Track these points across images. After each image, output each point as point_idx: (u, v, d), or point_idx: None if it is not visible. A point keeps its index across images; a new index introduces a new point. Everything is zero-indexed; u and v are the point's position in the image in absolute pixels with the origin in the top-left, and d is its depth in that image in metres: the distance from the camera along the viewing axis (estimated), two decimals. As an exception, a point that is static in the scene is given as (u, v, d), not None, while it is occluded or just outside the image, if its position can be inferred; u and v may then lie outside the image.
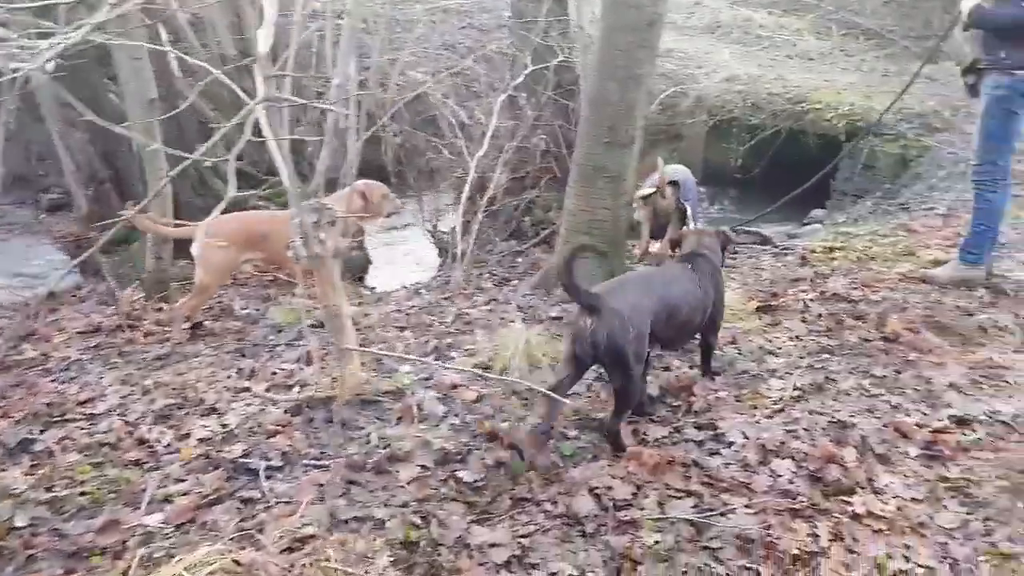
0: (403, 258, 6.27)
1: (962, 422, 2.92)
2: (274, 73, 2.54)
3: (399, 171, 7.27)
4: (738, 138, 9.18)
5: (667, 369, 3.35)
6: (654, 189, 5.12)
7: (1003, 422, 2.92)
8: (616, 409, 2.70)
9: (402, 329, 3.87)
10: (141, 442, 2.78)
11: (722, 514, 2.42)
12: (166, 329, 4.09)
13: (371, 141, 7.79)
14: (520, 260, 5.47)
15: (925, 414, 3.01)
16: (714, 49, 11.69)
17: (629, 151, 4.20)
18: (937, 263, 4.83)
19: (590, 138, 4.19)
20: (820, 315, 3.99)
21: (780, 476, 2.61)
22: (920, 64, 5.29)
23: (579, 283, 2.62)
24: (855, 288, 4.39)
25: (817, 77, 10.06)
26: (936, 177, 7.21)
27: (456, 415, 2.87)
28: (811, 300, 4.20)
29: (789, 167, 8.78)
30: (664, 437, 2.83)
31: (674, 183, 5.21)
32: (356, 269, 5.85)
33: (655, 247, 5.33)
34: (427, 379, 3.14)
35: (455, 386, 3.05)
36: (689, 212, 5.45)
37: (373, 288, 5.48)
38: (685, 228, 4.06)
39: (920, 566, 2.21)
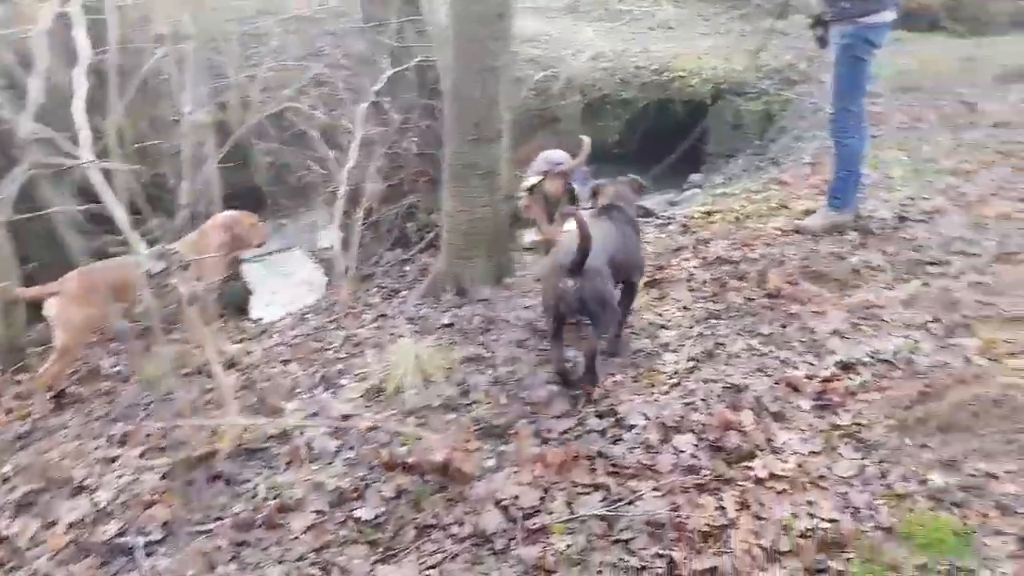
0: (289, 281, 6.01)
1: (847, 367, 3.00)
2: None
3: (273, 191, 7.00)
4: (612, 114, 9.29)
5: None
6: (540, 176, 5.02)
7: (885, 360, 3.02)
8: (600, 328, 2.99)
9: (287, 362, 3.69)
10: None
11: (631, 502, 2.38)
12: (27, 403, 3.76)
13: (242, 164, 7.48)
14: (408, 268, 5.33)
15: (812, 364, 3.08)
16: (577, 29, 11.80)
17: (498, 145, 4.13)
18: (808, 212, 4.98)
19: (457, 136, 4.10)
20: (705, 281, 4.03)
21: (683, 452, 2.60)
22: (770, 22, 5.47)
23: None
24: (735, 249, 4.47)
25: (679, 45, 10.28)
26: (800, 128, 7.48)
27: (350, 448, 2.73)
28: (695, 267, 4.25)
29: (663, 136, 8.98)
30: (567, 431, 2.78)
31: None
32: (237, 302, 5.57)
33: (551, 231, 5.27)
34: (315, 414, 2.98)
35: (347, 417, 2.91)
36: (578, 192, 5.43)
37: (259, 319, 5.22)
38: (602, 183, 3.95)
39: (824, 520, 2.24)
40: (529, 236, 6.13)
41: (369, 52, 6.22)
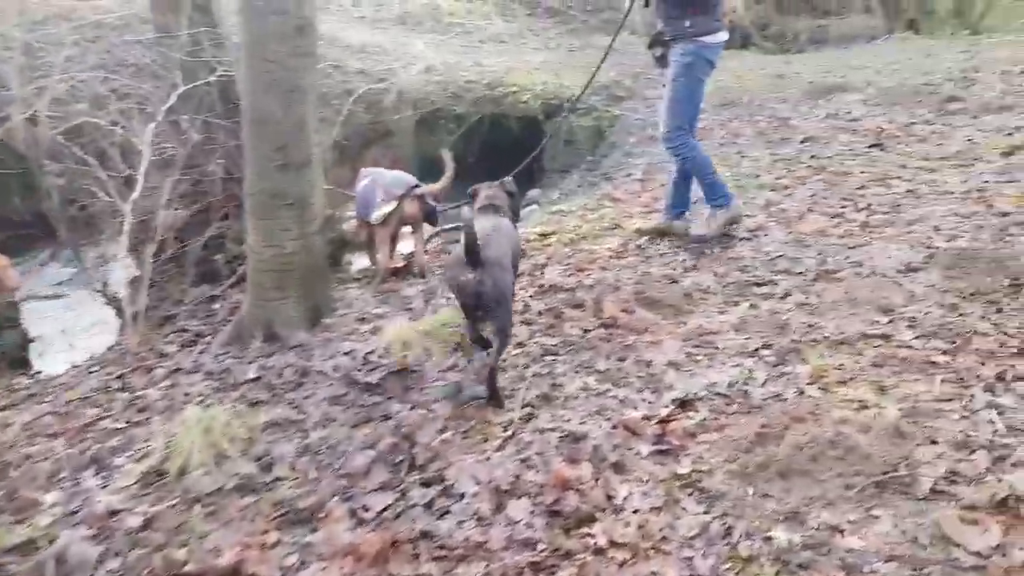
0: (77, 326, 5.24)
1: (685, 404, 2.85)
2: None
3: (64, 219, 6.13)
4: (445, 129, 9.03)
5: (387, 418, 2.94)
6: (394, 204, 4.62)
7: (721, 394, 2.89)
8: (499, 346, 2.97)
9: (54, 436, 3.07)
10: None
11: (458, 593, 2.07)
12: None
13: (29, 188, 6.52)
14: (217, 306, 4.76)
15: (651, 403, 2.91)
16: (408, 40, 11.47)
17: (309, 171, 3.71)
18: (641, 231, 4.92)
19: (259, 163, 3.64)
20: (540, 312, 3.81)
21: (518, 522, 2.32)
22: (609, 43, 5.44)
23: (474, 237, 2.84)
24: (571, 274, 4.31)
25: (511, 59, 10.22)
26: (629, 143, 7.57)
27: (117, 554, 2.22)
28: (531, 297, 4.03)
29: (498, 152, 8.85)
30: (387, 508, 2.42)
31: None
32: (13, 353, 4.76)
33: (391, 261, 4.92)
34: (76, 511, 2.44)
35: (115, 512, 2.39)
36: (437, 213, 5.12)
37: (37, 373, 4.46)
38: (479, 186, 3.79)
39: (670, 593, 2.03)
40: (360, 262, 5.73)
41: (160, 65, 5.57)
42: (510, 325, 3.11)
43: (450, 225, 6.45)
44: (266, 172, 3.63)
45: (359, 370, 3.25)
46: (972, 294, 3.37)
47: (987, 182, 4.61)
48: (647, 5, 4.30)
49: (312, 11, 3.57)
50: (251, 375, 3.45)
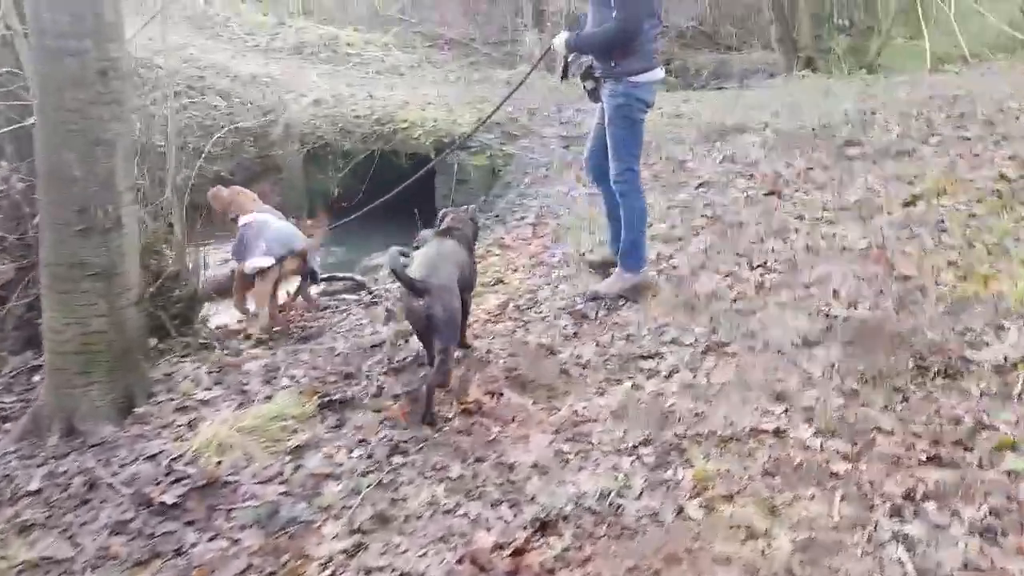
0: None
1: (546, 525, 2.40)
2: None
3: None
4: (334, 165, 8.49)
5: (179, 552, 2.37)
6: (272, 262, 4.20)
7: (590, 509, 2.46)
8: (439, 364, 3.09)
9: None
10: None
11: None
12: None
13: None
14: (38, 377, 4.07)
15: (507, 522, 2.45)
16: (302, 71, 10.90)
17: (119, 235, 3.12)
18: (523, 290, 4.52)
19: (56, 228, 3.04)
20: (397, 396, 3.32)
21: None
22: (511, 90, 5.12)
23: (403, 271, 3.14)
24: (439, 344, 3.83)
25: (407, 92, 9.77)
26: (523, 184, 7.20)
27: None
28: (385, 374, 3.53)
29: (389, 190, 8.35)
30: None
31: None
32: None
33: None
34: None
35: None
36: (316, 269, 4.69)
37: None
38: (445, 211, 4.02)
39: None
40: (220, 318, 5.11)
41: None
42: (455, 345, 3.29)
43: (340, 275, 5.95)
44: (64, 238, 3.03)
45: (158, 483, 2.67)
46: (874, 377, 3.06)
47: (887, 237, 4.39)
48: (568, 58, 4.14)
49: (121, 51, 3.01)
50: (34, 485, 2.82)
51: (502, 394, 3.27)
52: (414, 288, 3.11)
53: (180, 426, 3.15)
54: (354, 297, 5.25)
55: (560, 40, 4.04)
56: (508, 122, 7.95)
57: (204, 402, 3.35)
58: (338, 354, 3.85)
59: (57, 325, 3.12)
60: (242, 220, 4.57)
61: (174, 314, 4.68)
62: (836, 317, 3.61)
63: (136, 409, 3.26)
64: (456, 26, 13.52)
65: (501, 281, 4.80)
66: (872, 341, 3.34)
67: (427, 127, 7.82)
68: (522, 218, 6.57)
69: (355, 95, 9.32)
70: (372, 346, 3.92)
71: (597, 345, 3.70)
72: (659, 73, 4.03)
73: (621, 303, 4.17)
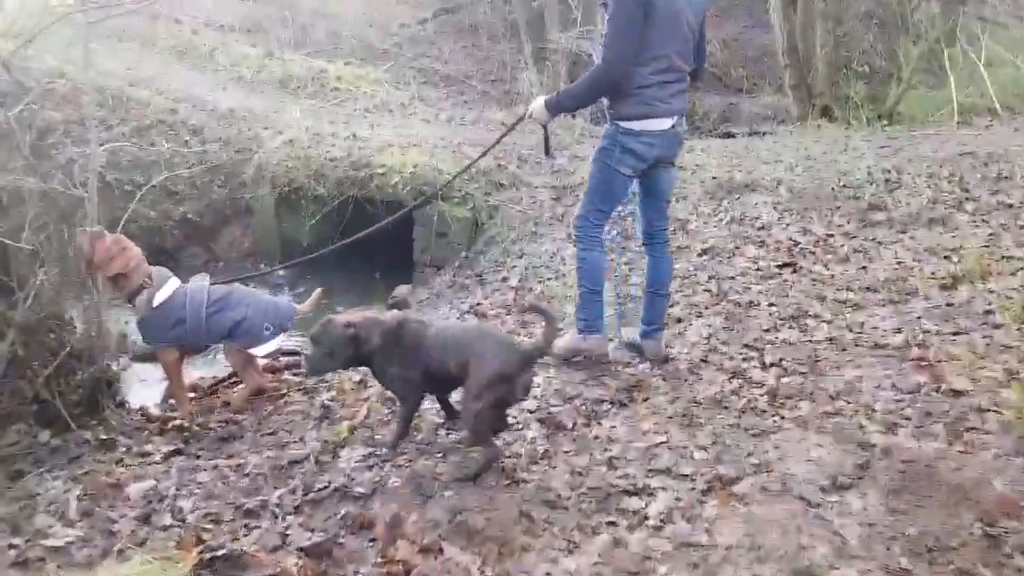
0: None
1: None
2: None
3: None
4: (306, 210, 7.80)
5: None
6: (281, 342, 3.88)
7: None
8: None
9: None
10: None
11: None
12: None
13: None
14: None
15: None
16: (284, 106, 10.28)
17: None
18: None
19: None
20: (302, 548, 2.54)
21: None
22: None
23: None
24: (372, 464, 3.06)
25: (393, 132, 9.11)
26: (508, 239, 6.48)
27: None
28: (296, 508, 2.75)
29: (362, 241, 7.63)
30: None
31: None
32: None
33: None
34: None
35: None
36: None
37: None
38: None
39: None
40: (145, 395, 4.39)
41: None
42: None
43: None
44: None
45: None
46: (930, 548, 2.28)
47: (928, 331, 3.63)
48: (548, 153, 4.08)
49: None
50: None
51: (441, 550, 2.49)
52: (539, 355, 2.91)
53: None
54: (296, 377, 4.50)
55: (538, 105, 3.53)
56: (495, 170, 7.25)
57: (54, 551, 2.58)
58: (247, 473, 3.08)
59: None
60: (160, 293, 3.84)
61: (76, 401, 3.96)
62: (873, 447, 2.84)
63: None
64: (453, 62, 12.95)
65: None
66: (923, 488, 2.57)
67: (405, 173, 7.12)
68: (504, 279, 5.86)
69: (336, 134, 8.67)
70: (291, 462, 3.14)
71: (571, 472, 2.92)
72: (660, 123, 3.42)
73: (606, 407, 3.41)
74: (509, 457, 3.03)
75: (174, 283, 3.89)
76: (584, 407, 3.41)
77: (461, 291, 6.13)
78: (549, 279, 5.58)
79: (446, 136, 8.87)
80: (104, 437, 3.73)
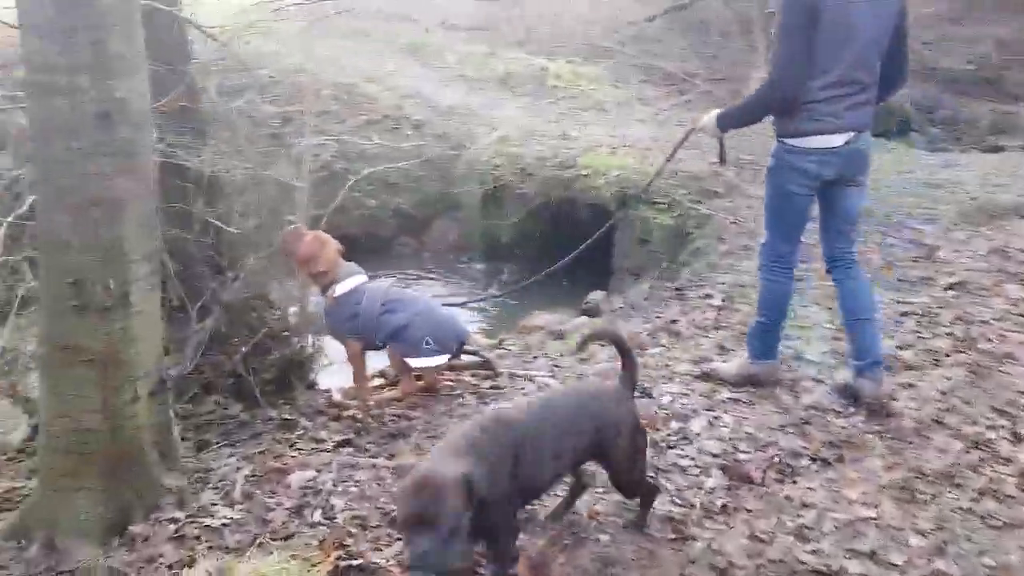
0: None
1: None
2: None
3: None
4: (510, 207, 7.76)
5: None
6: (445, 359, 3.81)
7: None
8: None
9: None
10: None
11: None
12: None
13: None
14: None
15: None
16: (501, 104, 10.41)
17: (124, 314, 2.49)
18: (679, 415, 3.38)
19: (50, 301, 2.47)
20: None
21: None
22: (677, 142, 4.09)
23: None
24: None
25: (606, 131, 8.87)
26: (717, 253, 5.96)
27: None
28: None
29: (565, 241, 7.46)
30: None
31: None
32: None
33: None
34: None
35: None
36: None
37: None
38: None
39: None
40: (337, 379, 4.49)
41: None
42: None
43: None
44: (59, 315, 2.45)
45: None
46: None
47: None
48: (723, 162, 3.87)
49: (132, 91, 2.36)
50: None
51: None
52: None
53: (161, 566, 2.44)
54: (472, 379, 4.39)
55: (709, 120, 3.40)
56: (709, 176, 6.73)
57: (210, 530, 2.62)
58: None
59: (51, 416, 2.55)
60: (342, 285, 3.91)
61: (268, 379, 4.14)
62: None
63: (131, 527, 2.59)
64: (678, 60, 12.40)
65: (647, 394, 3.68)
66: None
67: (611, 176, 6.82)
68: (706, 296, 5.36)
69: (547, 132, 8.59)
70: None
71: (751, 536, 2.50)
72: (831, 140, 3.14)
73: (805, 463, 2.91)
74: (680, 506, 2.67)
75: (357, 279, 3.93)
76: (778, 459, 2.94)
77: (658, 304, 5.72)
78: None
79: (660, 137, 8.45)
80: (287, 417, 3.85)
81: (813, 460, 2.94)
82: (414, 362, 3.67)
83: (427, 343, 3.60)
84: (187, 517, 2.66)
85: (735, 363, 3.67)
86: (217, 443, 3.61)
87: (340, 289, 3.87)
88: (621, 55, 12.61)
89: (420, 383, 3.89)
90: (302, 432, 3.61)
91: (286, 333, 4.25)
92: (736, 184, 6.67)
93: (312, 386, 4.42)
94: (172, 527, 2.60)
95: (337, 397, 4.12)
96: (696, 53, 12.79)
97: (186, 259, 4.10)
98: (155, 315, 2.62)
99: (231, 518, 2.68)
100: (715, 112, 3.39)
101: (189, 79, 4.09)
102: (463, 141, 8.87)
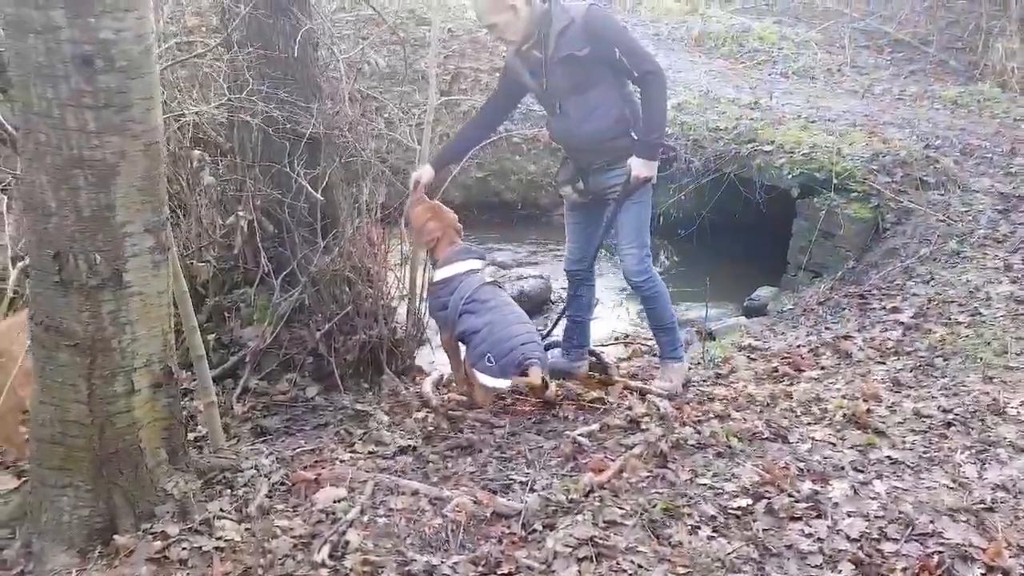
0: None
1: None
2: None
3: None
4: (678, 182, 6.91)
5: None
6: (505, 385, 3.30)
7: None
8: None
9: None
10: None
11: None
12: None
13: None
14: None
15: None
16: (692, 66, 9.42)
17: (115, 295, 2.15)
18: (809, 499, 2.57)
19: (35, 273, 2.18)
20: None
21: None
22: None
23: None
24: None
25: (807, 102, 7.69)
26: (916, 257, 4.84)
27: None
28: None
29: (736, 224, 6.52)
30: None
31: None
32: None
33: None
34: None
35: None
36: None
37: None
38: None
39: None
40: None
41: None
42: None
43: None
44: (40, 290, 2.16)
45: None
46: None
47: None
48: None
49: (120, 31, 1.96)
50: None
51: None
52: None
53: (129, 593, 2.11)
54: (580, 388, 3.77)
55: (636, 166, 3.25)
56: (921, 161, 5.48)
57: (199, 553, 2.26)
58: (443, 514, 2.46)
59: (34, 398, 2.29)
60: (442, 270, 3.50)
61: (351, 360, 3.79)
62: None
63: (117, 536, 2.29)
64: (909, 24, 10.59)
65: (781, 437, 2.86)
66: None
67: (797, 155, 5.78)
68: (893, 310, 4.34)
69: (736, 100, 7.58)
70: (495, 516, 2.44)
71: None
72: None
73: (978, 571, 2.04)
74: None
75: (461, 266, 3.50)
76: (937, 560, 2.07)
77: (833, 312, 4.75)
78: (960, 322, 3.95)
79: (871, 113, 7.15)
80: (361, 408, 3.48)
81: (989, 570, 2.06)
82: (482, 380, 3.15)
83: (489, 360, 3.06)
84: (180, 532, 2.31)
85: (666, 375, 3.61)
86: (277, 430, 3.32)
87: (440, 274, 3.53)
88: (841, 16, 11.01)
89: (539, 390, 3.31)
90: (367, 430, 3.22)
91: (376, 311, 3.87)
92: (955, 174, 5.37)
93: (405, 373, 4.04)
94: (159, 544, 2.26)
95: (427, 388, 3.69)
96: (931, 17, 10.86)
97: (280, 224, 3.84)
98: (160, 298, 2.26)
99: (230, 540, 2.31)
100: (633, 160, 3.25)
101: (306, 30, 3.76)
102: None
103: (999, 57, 8.25)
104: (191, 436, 2.92)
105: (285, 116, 3.57)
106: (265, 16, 3.62)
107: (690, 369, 3.76)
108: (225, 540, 2.30)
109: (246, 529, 2.37)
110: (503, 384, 3.12)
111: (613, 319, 5.51)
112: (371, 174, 4.09)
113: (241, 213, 3.57)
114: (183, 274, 2.72)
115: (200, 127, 3.86)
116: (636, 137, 3.26)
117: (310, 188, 3.59)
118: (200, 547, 2.26)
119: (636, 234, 3.43)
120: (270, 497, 2.56)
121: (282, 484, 2.66)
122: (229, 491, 2.58)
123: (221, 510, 2.44)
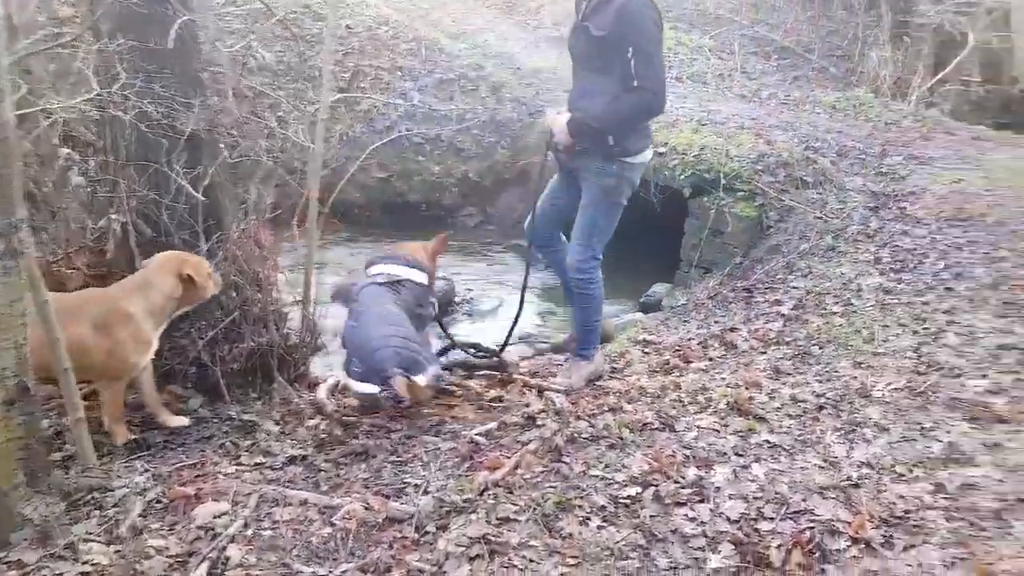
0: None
1: None
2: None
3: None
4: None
5: None
6: (375, 391, 3.19)
7: None
8: None
9: None
10: None
11: None
12: None
13: None
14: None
15: None
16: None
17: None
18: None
19: None
20: None
21: None
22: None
23: None
24: None
25: (698, 105, 7.93)
26: (796, 252, 5.06)
27: None
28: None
29: (633, 223, 6.64)
30: None
31: None
32: None
33: None
34: None
35: None
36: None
37: None
38: None
39: None
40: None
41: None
42: None
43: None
44: None
45: None
46: None
47: None
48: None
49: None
50: None
51: None
52: None
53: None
54: (475, 383, 3.76)
55: (560, 123, 3.39)
56: (801, 162, 5.75)
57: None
58: (332, 523, 2.39)
59: None
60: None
61: (237, 370, 3.62)
62: None
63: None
64: (793, 33, 11.12)
65: (668, 426, 2.93)
66: None
67: (688, 156, 5.95)
68: (776, 303, 4.52)
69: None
70: (388, 520, 2.39)
71: None
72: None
73: (843, 544, 2.13)
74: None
75: (374, 269, 3.46)
76: (808, 536, 2.15)
77: (722, 306, 4.91)
78: (834, 312, 4.15)
79: (758, 116, 7.45)
80: (247, 419, 3.34)
81: (854, 542, 2.17)
82: (352, 387, 3.09)
83: (356, 367, 3.01)
84: (40, 559, 2.15)
85: (569, 372, 3.68)
86: (157, 444, 3.14)
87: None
88: (732, 23, 11.45)
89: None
90: (255, 440, 3.10)
91: (266, 317, 3.72)
92: (832, 174, 5.66)
93: (298, 379, 3.90)
94: (15, 573, 2.10)
95: (322, 394, 3.58)
96: (814, 26, 11.45)
97: (158, 226, 3.64)
98: (12, 308, 2.10)
99: (97, 564, 2.16)
100: (565, 117, 3.36)
101: (184, 20, 3.58)
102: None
103: (873, 65, 8.79)
104: (58, 455, 2.72)
105: (162, 112, 3.39)
106: (138, 5, 3.43)
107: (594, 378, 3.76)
108: (92, 564, 2.16)
109: (116, 551, 2.23)
110: (372, 389, 3.05)
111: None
112: (260, 173, 3.93)
113: (114, 216, 3.36)
114: (48, 281, 2.54)
115: (69, 124, 3.62)
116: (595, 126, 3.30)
117: (190, 188, 3.42)
118: (62, 573, 2.12)
119: (586, 235, 3.52)
120: (144, 516, 2.42)
121: (158, 502, 2.52)
122: (98, 512, 2.43)
123: (88, 532, 2.30)
